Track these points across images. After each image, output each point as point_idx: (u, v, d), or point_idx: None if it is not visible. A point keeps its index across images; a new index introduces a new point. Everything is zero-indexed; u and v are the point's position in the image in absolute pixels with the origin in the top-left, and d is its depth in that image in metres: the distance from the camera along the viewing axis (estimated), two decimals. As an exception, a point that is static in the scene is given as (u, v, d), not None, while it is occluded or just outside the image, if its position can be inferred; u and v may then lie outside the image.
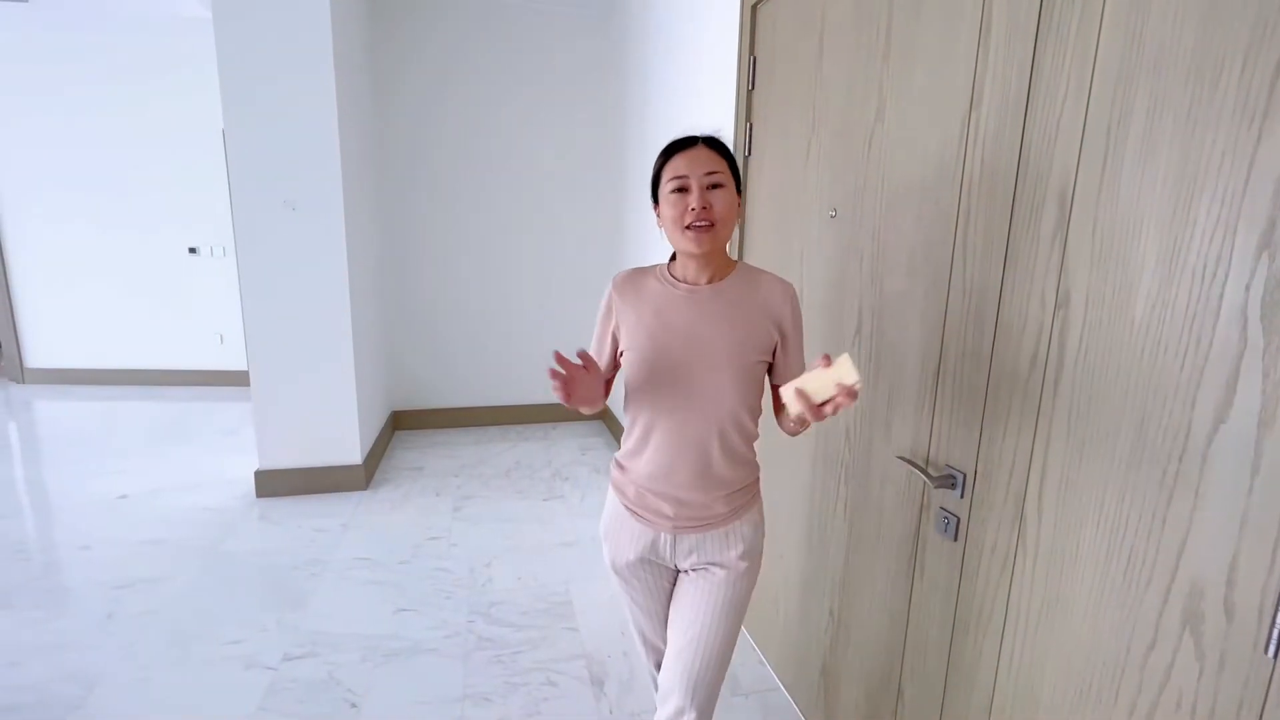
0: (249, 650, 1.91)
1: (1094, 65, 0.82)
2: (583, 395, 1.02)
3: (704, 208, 1.02)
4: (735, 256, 1.98)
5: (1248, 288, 0.66)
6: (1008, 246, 0.97)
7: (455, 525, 2.78)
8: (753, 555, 1.14)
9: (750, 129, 1.87)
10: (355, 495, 3.05)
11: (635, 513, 1.14)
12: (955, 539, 1.10)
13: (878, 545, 1.34)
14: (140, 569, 2.33)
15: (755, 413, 1.12)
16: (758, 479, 1.18)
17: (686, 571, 1.17)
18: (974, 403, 1.05)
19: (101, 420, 4.11)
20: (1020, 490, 0.96)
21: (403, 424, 4.05)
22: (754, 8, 1.80)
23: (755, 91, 1.84)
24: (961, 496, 1.08)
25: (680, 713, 1.13)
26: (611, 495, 1.21)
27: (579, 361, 1.01)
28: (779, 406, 1.15)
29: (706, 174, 1.03)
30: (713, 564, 1.13)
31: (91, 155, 4.62)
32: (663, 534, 1.12)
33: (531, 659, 1.92)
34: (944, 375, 1.12)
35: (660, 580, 1.20)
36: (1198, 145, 0.70)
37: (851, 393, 0.87)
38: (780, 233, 1.72)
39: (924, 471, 1.13)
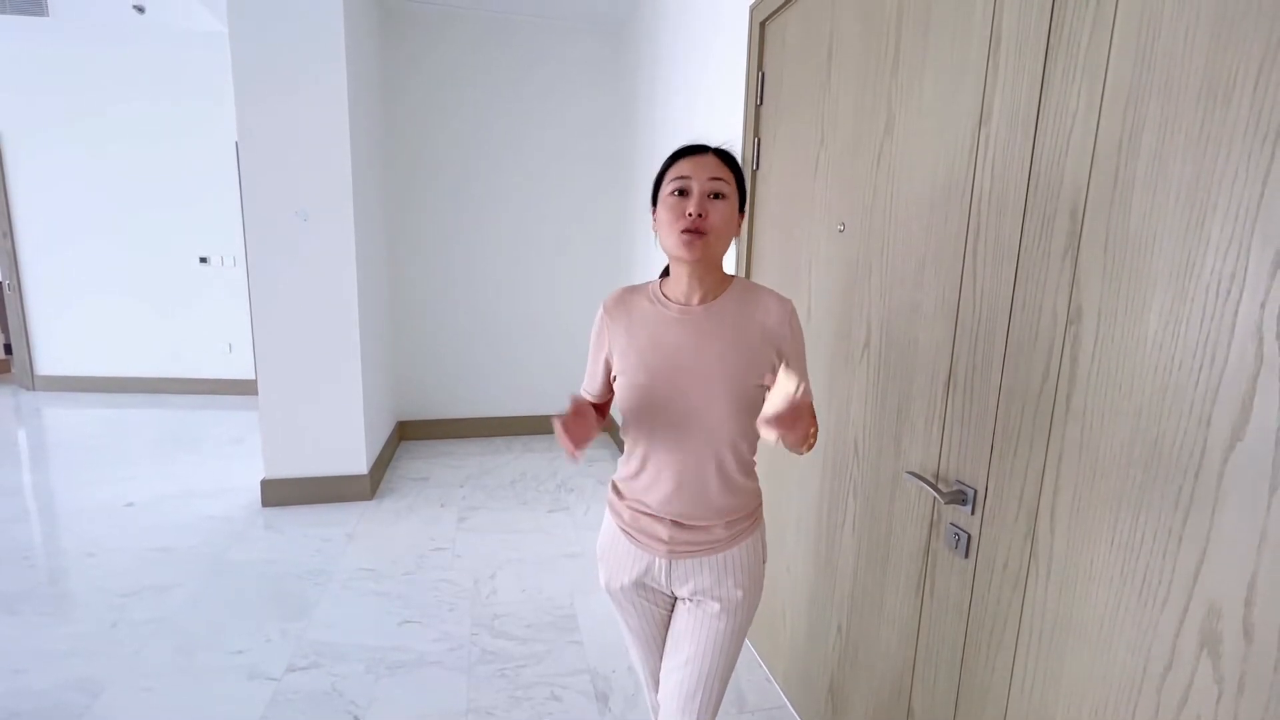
0: (253, 660, 1.90)
1: (1105, 81, 0.82)
2: (579, 438, 0.98)
3: (700, 214, 0.97)
4: (742, 269, 1.99)
5: (1263, 305, 0.66)
6: (1018, 261, 0.97)
7: (460, 536, 2.77)
8: (750, 585, 1.10)
9: (758, 143, 1.88)
10: (360, 505, 3.05)
11: (630, 535, 1.10)
12: (966, 556, 1.09)
13: (887, 561, 1.33)
14: (146, 577, 2.33)
15: (754, 440, 1.07)
16: (759, 505, 1.14)
17: (684, 600, 1.12)
18: (985, 418, 1.04)
19: (110, 428, 4.13)
20: (1032, 507, 0.95)
21: (408, 434, 4.05)
22: (762, 24, 1.82)
23: (763, 106, 1.85)
24: (973, 513, 1.07)
25: None
26: (608, 517, 1.17)
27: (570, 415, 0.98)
28: None
29: (710, 179, 0.99)
30: (709, 596, 1.08)
31: (105, 166, 4.69)
32: (658, 559, 1.08)
33: (535, 673, 1.90)
34: (954, 390, 1.12)
35: (655, 607, 1.16)
36: (1210, 162, 0.70)
37: (790, 403, 0.81)
38: (788, 246, 1.73)
39: (934, 487, 1.12)
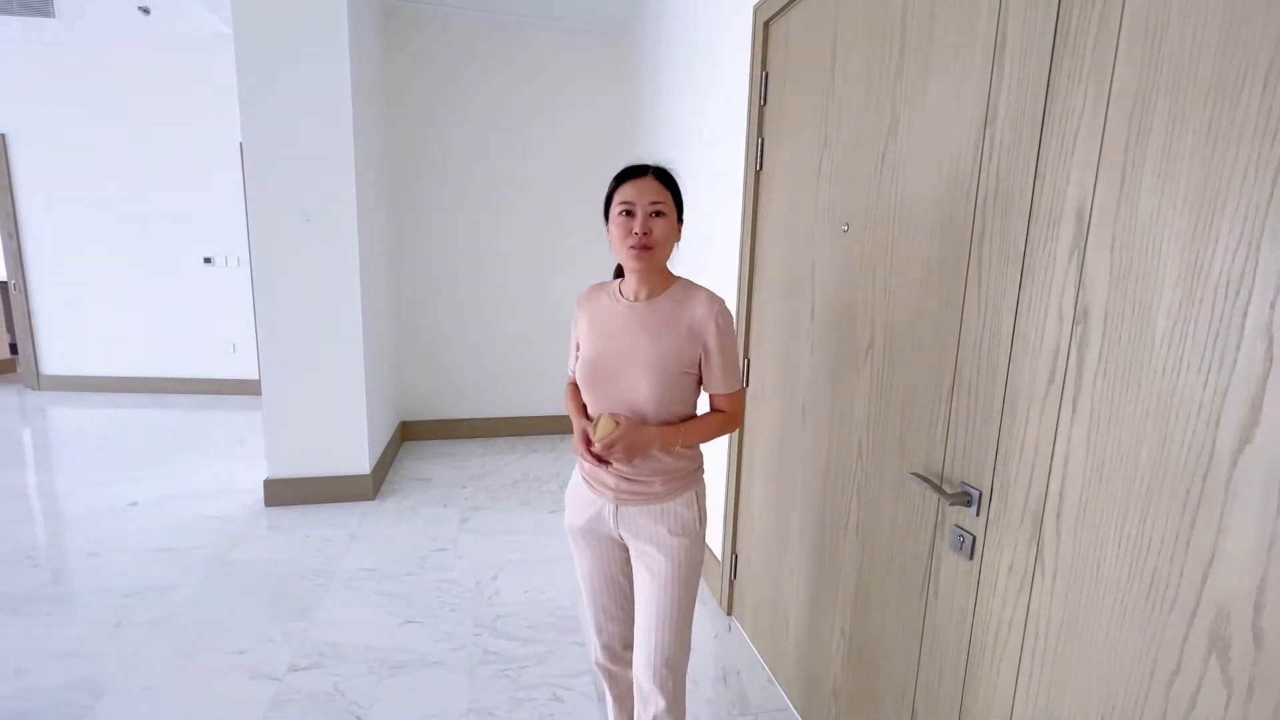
0: (255, 660, 1.91)
1: (1111, 82, 0.82)
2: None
3: (645, 233, 1.17)
4: (745, 269, 1.98)
5: (1272, 305, 0.65)
6: (1024, 262, 0.96)
7: (462, 537, 2.77)
8: (687, 532, 1.27)
9: (762, 144, 1.88)
10: (363, 505, 3.06)
11: (588, 483, 1.31)
12: (971, 558, 1.08)
13: (891, 563, 1.32)
14: (148, 577, 2.34)
15: (687, 414, 1.27)
16: (698, 469, 1.32)
17: (633, 552, 1.30)
18: (990, 419, 1.04)
19: (114, 428, 4.15)
20: (1038, 509, 0.95)
21: (411, 434, 4.05)
22: (766, 24, 1.81)
23: (767, 106, 1.85)
24: (977, 514, 1.07)
25: (646, 700, 1.28)
26: (577, 467, 1.38)
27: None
28: (713, 411, 1.31)
29: (651, 202, 1.18)
30: (649, 541, 1.26)
31: (110, 166, 4.72)
32: (607, 504, 1.28)
33: (538, 674, 1.90)
34: (959, 391, 1.11)
35: (603, 551, 1.35)
36: (1219, 162, 0.70)
37: (604, 446, 1.15)
38: (792, 246, 1.72)
39: (938, 488, 1.11)
